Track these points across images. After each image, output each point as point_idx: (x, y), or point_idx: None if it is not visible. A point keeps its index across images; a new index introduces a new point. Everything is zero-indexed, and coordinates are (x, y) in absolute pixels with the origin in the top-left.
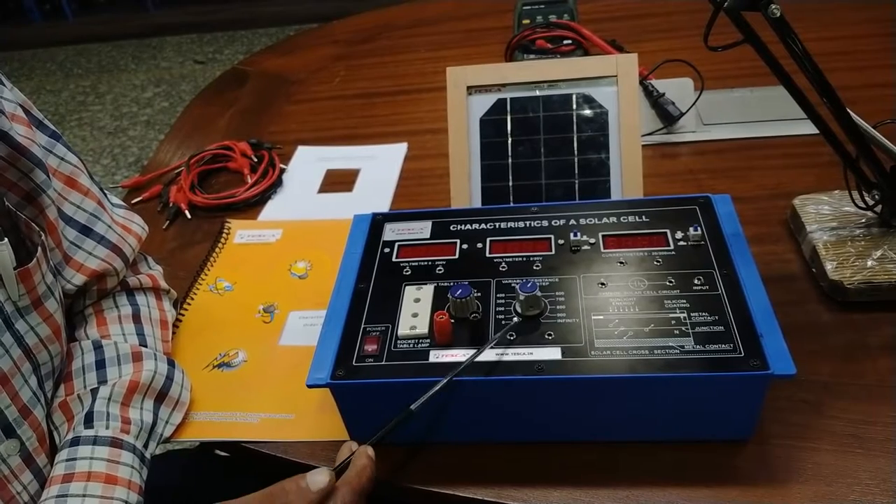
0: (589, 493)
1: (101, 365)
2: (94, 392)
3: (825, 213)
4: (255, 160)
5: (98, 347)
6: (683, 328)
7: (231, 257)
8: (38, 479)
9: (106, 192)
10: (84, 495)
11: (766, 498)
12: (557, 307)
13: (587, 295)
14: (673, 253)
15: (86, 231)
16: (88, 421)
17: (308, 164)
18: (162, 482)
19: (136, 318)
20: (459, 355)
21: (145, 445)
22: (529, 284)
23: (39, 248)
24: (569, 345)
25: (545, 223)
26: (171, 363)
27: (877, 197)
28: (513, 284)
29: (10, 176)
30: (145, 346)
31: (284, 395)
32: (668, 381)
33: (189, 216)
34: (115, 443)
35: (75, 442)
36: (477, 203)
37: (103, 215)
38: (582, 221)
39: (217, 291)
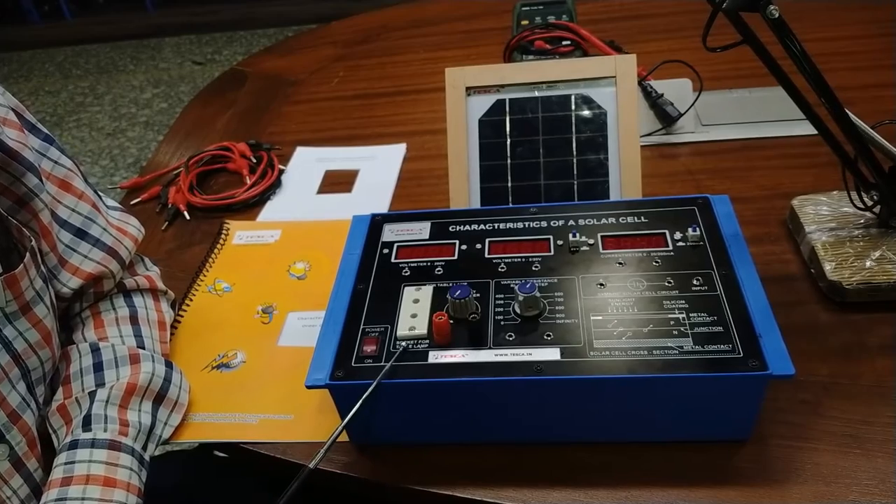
0: (588, 494)
1: (98, 368)
2: (92, 395)
3: (824, 213)
4: (254, 161)
5: (95, 350)
6: (682, 329)
7: (230, 258)
8: (28, 483)
9: (101, 194)
10: (83, 498)
11: (765, 498)
12: (556, 308)
13: (586, 295)
14: (672, 253)
15: (81, 234)
16: (86, 424)
17: (307, 164)
18: (161, 483)
19: (134, 319)
20: (459, 356)
21: (144, 447)
22: (528, 285)
23: (28, 254)
24: (568, 345)
25: (544, 224)
26: (168, 365)
27: (875, 197)
28: (512, 285)
29: (2, 180)
30: (143, 348)
31: (283, 395)
32: (667, 382)
33: (188, 217)
34: (113, 445)
35: (73, 445)
36: (476, 204)
37: (98, 218)
38: (581, 222)
39: (216, 292)
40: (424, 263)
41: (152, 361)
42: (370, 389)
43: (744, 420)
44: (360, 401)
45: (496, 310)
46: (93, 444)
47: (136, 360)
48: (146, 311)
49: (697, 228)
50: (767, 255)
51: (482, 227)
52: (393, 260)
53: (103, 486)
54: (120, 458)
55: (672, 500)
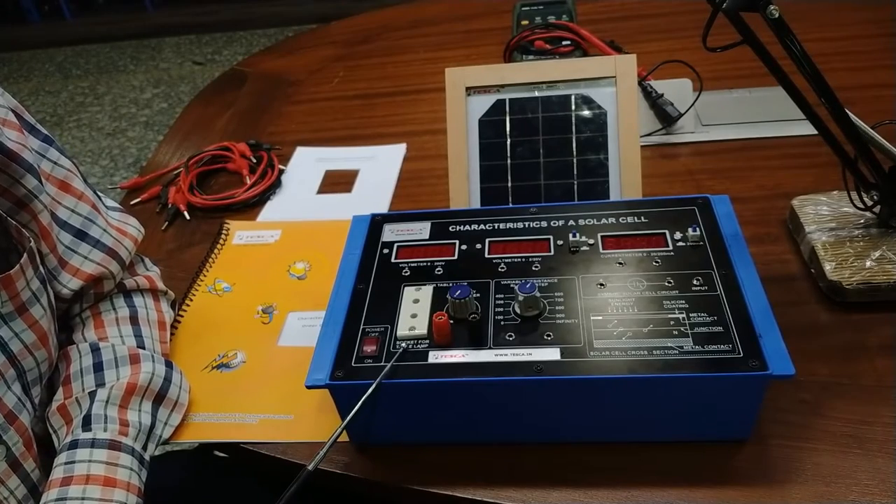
0: (588, 494)
1: (98, 368)
2: (92, 395)
3: (824, 213)
4: (254, 161)
5: (95, 350)
6: (682, 329)
7: (230, 258)
8: (25, 484)
9: (100, 195)
10: (83, 498)
11: (765, 498)
12: (556, 308)
13: (586, 295)
14: (672, 253)
15: (81, 235)
16: (86, 424)
17: (307, 164)
18: (161, 483)
19: (134, 319)
20: (458, 356)
21: (144, 447)
22: (528, 285)
23: (26, 254)
24: (568, 345)
25: (544, 224)
26: (168, 364)
27: (875, 197)
28: (512, 285)
29: (1, 182)
30: (143, 348)
31: (283, 395)
32: (667, 382)
33: (188, 217)
34: (113, 445)
35: (73, 445)
36: (476, 204)
37: (98, 219)
38: (581, 222)
39: (216, 292)
40: (424, 263)
41: (152, 361)
42: (370, 390)
43: (744, 420)
44: (361, 401)
45: (496, 310)
46: (93, 443)
47: (137, 360)
48: (146, 311)
49: (697, 228)
50: (767, 255)
51: (482, 227)
52: (393, 260)
53: (103, 485)
54: (120, 458)
55: (672, 500)
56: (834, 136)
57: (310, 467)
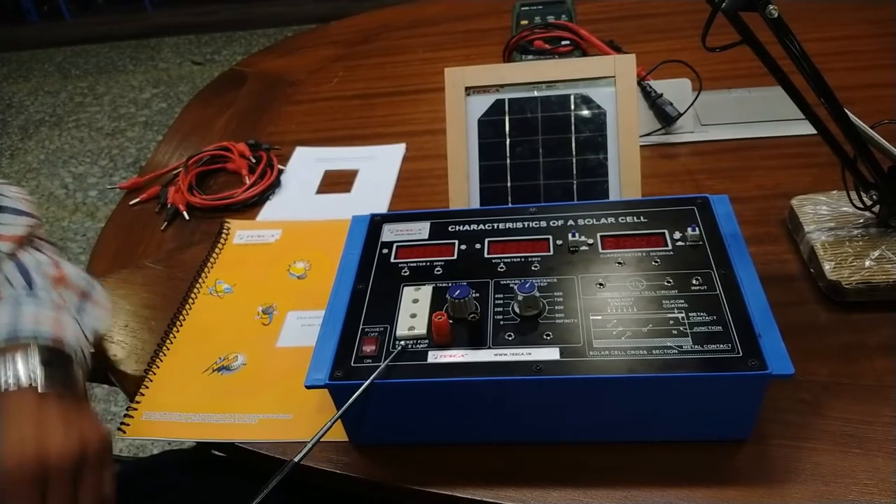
0: (587, 494)
1: (25, 272)
2: (26, 275)
3: (823, 213)
4: (254, 161)
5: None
6: (682, 328)
7: (231, 258)
8: None
9: None
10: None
11: (765, 498)
12: (556, 307)
13: (585, 295)
14: (671, 253)
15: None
16: (29, 287)
17: (306, 164)
18: (160, 483)
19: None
20: (458, 356)
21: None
22: (528, 285)
23: None
24: (567, 345)
25: (543, 224)
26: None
27: (875, 197)
28: (511, 285)
29: None
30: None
31: (282, 395)
32: (667, 382)
33: (187, 217)
34: (58, 308)
35: (17, 301)
36: (475, 204)
37: (7, 190)
38: (580, 222)
39: (217, 294)
40: (424, 263)
41: (73, 268)
42: (363, 387)
43: (743, 420)
44: (353, 398)
45: (495, 310)
46: (38, 304)
47: (57, 266)
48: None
49: (697, 228)
50: (767, 255)
51: (481, 227)
52: (392, 260)
53: (53, 326)
54: (66, 320)
55: (672, 500)
56: (833, 135)
57: (296, 459)
